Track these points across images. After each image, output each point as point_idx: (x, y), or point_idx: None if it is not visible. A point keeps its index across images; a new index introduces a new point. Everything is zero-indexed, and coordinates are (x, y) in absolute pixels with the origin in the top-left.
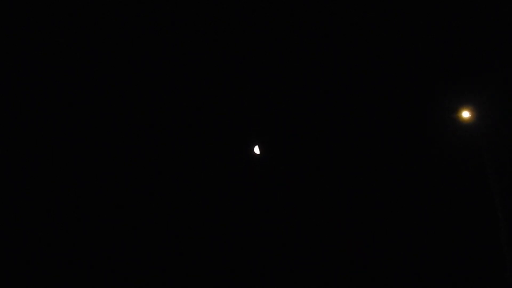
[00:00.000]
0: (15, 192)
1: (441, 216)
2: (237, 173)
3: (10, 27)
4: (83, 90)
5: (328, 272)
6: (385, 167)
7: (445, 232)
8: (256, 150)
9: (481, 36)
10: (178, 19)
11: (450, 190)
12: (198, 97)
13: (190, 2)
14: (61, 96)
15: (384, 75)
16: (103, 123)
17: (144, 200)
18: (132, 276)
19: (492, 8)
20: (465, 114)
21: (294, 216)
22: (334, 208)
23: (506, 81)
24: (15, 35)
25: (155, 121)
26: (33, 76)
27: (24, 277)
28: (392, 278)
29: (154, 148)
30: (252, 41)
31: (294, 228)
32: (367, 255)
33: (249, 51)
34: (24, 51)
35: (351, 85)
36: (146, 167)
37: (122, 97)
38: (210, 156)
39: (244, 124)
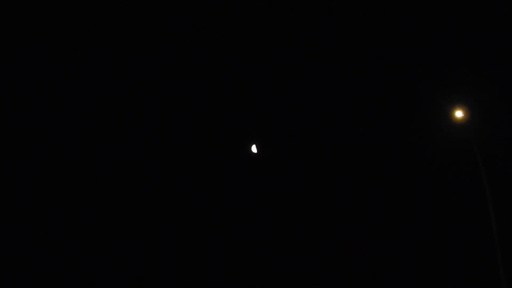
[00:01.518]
0: (15, 192)
1: (434, 212)
2: (235, 171)
3: (10, 27)
4: (83, 91)
5: (322, 267)
6: (379, 166)
7: (439, 228)
8: (254, 149)
9: (473, 37)
10: (179, 20)
11: (444, 187)
12: (197, 98)
13: (190, 2)
14: (61, 96)
15: (378, 76)
16: (103, 123)
17: (144, 196)
18: (131, 274)
19: (485, 10)
20: (458, 113)
21: (291, 211)
22: (329, 205)
23: (498, 81)
24: (15, 35)
25: (155, 121)
26: (33, 76)
27: (24, 277)
28: (384, 274)
29: (154, 147)
30: (252, 44)
31: (290, 224)
32: (358, 248)
33: (248, 54)
34: (24, 51)
35: (345, 86)
36: (145, 165)
37: (122, 97)
38: (209, 154)
39: (242, 124)
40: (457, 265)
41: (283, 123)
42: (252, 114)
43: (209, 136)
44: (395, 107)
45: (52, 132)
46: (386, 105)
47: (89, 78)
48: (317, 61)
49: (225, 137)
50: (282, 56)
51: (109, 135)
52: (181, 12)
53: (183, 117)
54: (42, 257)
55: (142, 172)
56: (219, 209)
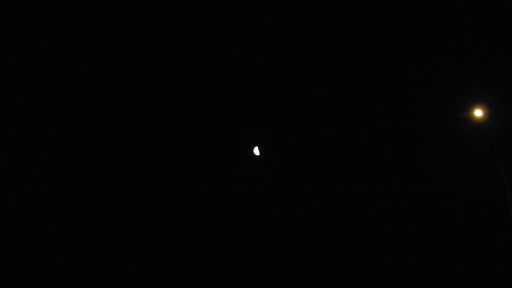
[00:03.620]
0: (15, 192)
1: (452, 214)
2: (237, 173)
3: (10, 27)
4: (84, 92)
5: (325, 269)
6: (394, 166)
7: (458, 228)
8: (256, 151)
9: (494, 36)
10: (181, 22)
11: (463, 187)
12: (199, 100)
13: (191, 4)
14: (61, 97)
15: (395, 76)
16: (105, 125)
17: (146, 199)
18: (132, 276)
19: (505, 10)
20: (478, 112)
21: (292, 214)
22: (334, 208)
23: None
24: (15, 35)
25: (157, 123)
26: (34, 76)
27: (24, 277)
28: (392, 278)
29: (155, 149)
30: (253, 47)
31: (292, 226)
32: (365, 254)
33: (251, 57)
34: (25, 52)
35: (358, 84)
36: (147, 168)
37: (124, 100)
38: (212, 157)
39: (245, 127)
40: (476, 266)
41: (285, 125)
42: (254, 116)
43: (211, 138)
44: (414, 107)
45: (53, 132)
46: (404, 105)
47: (90, 82)
48: (326, 60)
49: (227, 139)
50: (286, 58)
51: (111, 138)
52: (183, 13)
53: (185, 120)
54: (42, 257)
55: (144, 175)
56: (221, 212)
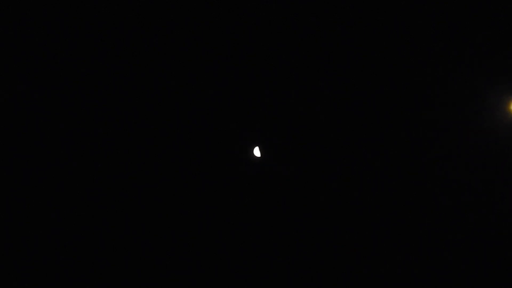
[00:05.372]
0: (15, 192)
1: (490, 211)
2: (237, 175)
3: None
4: (84, 91)
5: (325, 269)
6: (393, 167)
7: (481, 233)
8: (256, 152)
9: None
10: (180, 22)
11: (499, 184)
12: (200, 100)
13: (191, 4)
14: (61, 97)
15: (420, 73)
16: (105, 125)
17: (144, 200)
18: (132, 275)
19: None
20: None
21: (294, 216)
22: (335, 209)
23: None
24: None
25: (157, 124)
26: (34, 76)
27: (24, 277)
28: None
29: (155, 150)
30: (253, 43)
31: (293, 228)
32: (371, 259)
33: (251, 57)
34: (25, 51)
35: (363, 86)
36: (147, 169)
37: (122, 100)
38: (212, 157)
39: (245, 126)
40: (477, 266)
41: (286, 126)
42: (255, 116)
43: (211, 138)
44: (450, 103)
45: (52, 132)
46: (439, 101)
47: (89, 81)
48: (331, 59)
49: (227, 139)
50: (287, 58)
51: (110, 138)
52: (183, 13)
53: (184, 120)
54: (42, 257)
55: (143, 175)
56: (220, 213)
